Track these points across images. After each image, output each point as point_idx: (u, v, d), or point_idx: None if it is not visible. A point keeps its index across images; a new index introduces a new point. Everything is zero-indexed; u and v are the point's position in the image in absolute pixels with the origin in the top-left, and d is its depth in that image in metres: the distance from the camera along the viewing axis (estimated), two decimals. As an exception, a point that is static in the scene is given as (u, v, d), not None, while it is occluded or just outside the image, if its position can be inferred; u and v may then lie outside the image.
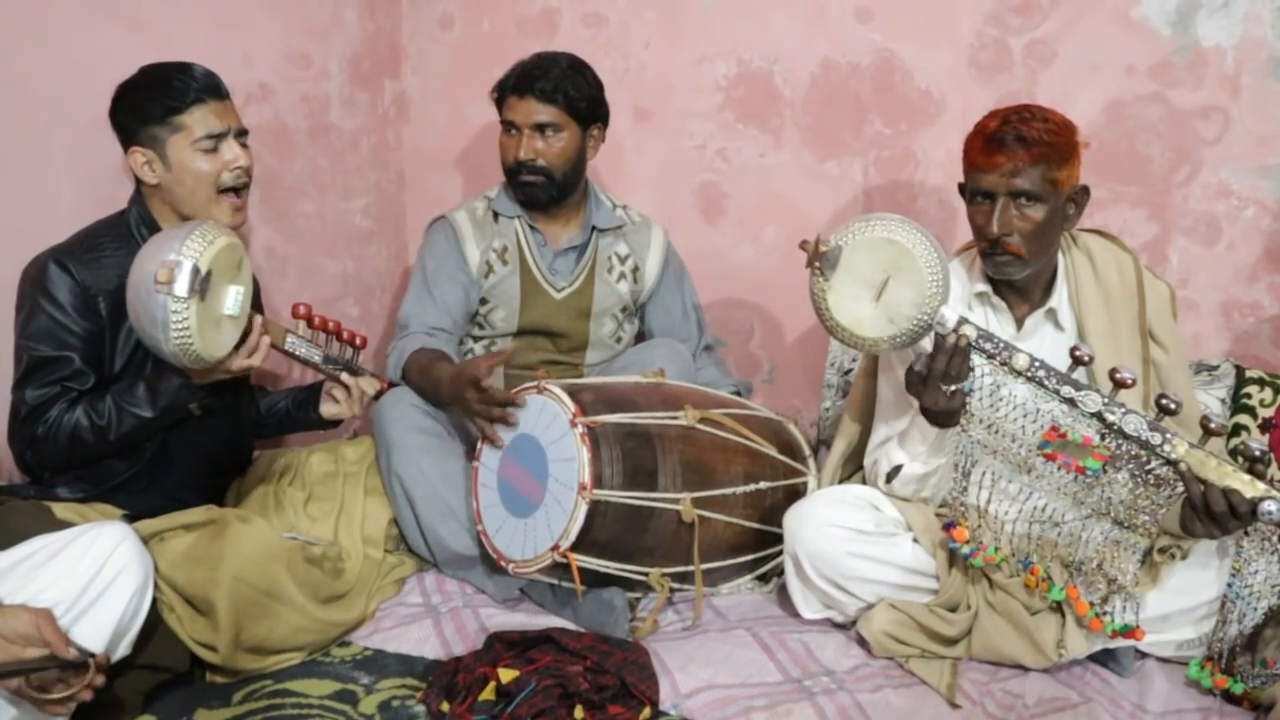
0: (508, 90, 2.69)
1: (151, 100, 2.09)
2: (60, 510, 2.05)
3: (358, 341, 2.48)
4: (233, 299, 2.05)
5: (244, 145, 2.19)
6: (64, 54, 2.31)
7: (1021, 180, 2.08)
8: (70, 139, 2.32)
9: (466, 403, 2.36)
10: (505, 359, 2.42)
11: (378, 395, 2.52)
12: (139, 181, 2.16)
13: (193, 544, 2.07)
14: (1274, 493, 1.87)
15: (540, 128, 2.65)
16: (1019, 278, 2.19)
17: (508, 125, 2.70)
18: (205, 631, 2.02)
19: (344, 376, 2.44)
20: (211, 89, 2.14)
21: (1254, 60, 2.65)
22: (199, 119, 2.11)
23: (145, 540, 1.94)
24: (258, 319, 2.16)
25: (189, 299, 1.91)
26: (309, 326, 2.39)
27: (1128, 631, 2.07)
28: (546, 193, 2.70)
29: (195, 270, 1.91)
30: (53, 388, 2.05)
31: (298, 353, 2.36)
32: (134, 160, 2.12)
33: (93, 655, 1.66)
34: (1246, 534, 1.99)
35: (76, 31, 2.34)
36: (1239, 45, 2.65)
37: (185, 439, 2.21)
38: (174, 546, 2.06)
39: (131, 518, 2.09)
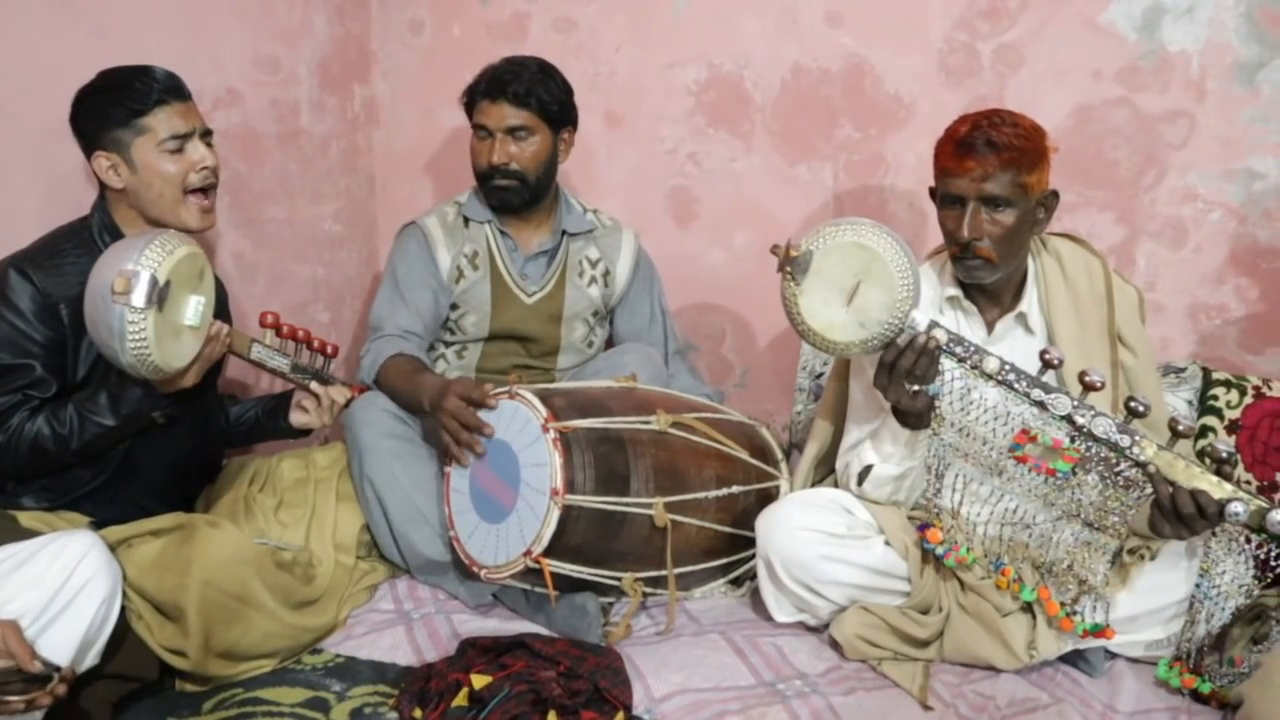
0: (479, 95, 2.68)
1: (114, 104, 2.07)
2: (26, 519, 2.03)
3: (328, 350, 2.46)
4: (193, 309, 2.02)
5: (209, 145, 2.17)
6: (29, 59, 2.28)
7: (991, 185, 2.09)
8: (36, 145, 2.30)
9: (444, 411, 2.31)
10: (510, 390, 2.34)
11: (348, 403, 2.51)
12: (103, 186, 2.14)
13: (161, 550, 2.05)
14: (1241, 494, 1.89)
15: (513, 131, 2.64)
16: (989, 282, 2.20)
17: (479, 130, 2.69)
18: (175, 638, 2.00)
19: (313, 385, 2.42)
20: (174, 90, 2.11)
21: (1219, 65, 2.68)
22: (163, 120, 2.09)
23: (113, 547, 1.93)
24: (219, 327, 2.13)
25: (146, 309, 1.88)
26: (277, 335, 2.36)
27: (1098, 631, 2.09)
28: (520, 196, 2.70)
29: (153, 280, 1.88)
30: (14, 396, 2.02)
31: (265, 362, 2.34)
32: (98, 165, 2.10)
33: (58, 668, 1.64)
34: (1214, 535, 2.00)
35: (41, 36, 2.31)
36: (1204, 50, 2.68)
37: (152, 448, 2.18)
38: (143, 553, 2.04)
39: (98, 525, 2.07)
